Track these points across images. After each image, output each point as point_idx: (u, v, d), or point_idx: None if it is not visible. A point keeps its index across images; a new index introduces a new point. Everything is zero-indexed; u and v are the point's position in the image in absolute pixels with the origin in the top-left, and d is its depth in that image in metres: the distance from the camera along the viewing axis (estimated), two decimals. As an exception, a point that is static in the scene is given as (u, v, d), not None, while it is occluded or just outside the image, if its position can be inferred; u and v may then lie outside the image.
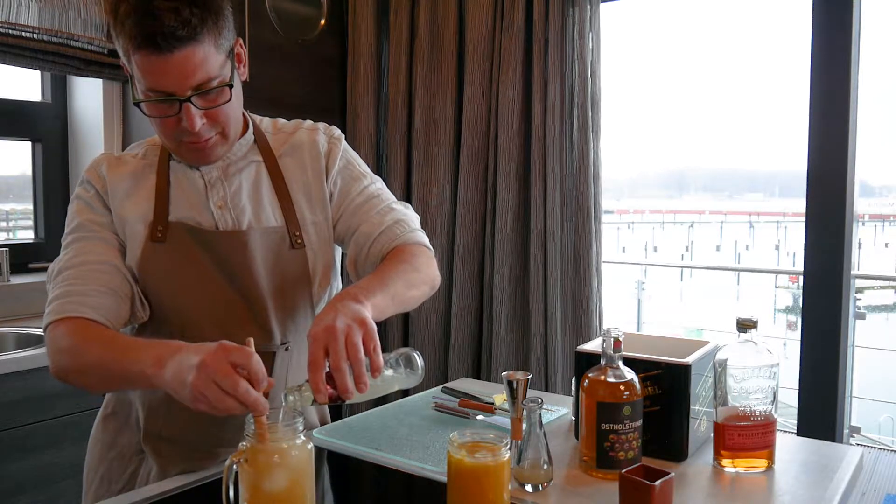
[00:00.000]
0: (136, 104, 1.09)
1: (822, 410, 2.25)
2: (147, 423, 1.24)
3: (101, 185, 1.22)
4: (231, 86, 1.12)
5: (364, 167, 1.34)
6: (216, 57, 1.09)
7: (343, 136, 1.33)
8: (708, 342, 1.28)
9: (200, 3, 1.06)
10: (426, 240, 1.31)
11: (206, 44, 1.07)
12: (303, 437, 0.91)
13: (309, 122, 1.32)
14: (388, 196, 1.32)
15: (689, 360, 1.17)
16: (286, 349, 1.23)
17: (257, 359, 0.91)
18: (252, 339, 0.94)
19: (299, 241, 1.22)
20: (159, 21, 1.01)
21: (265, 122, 1.31)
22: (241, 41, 1.18)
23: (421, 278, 1.22)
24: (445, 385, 1.64)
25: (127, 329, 1.24)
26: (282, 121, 1.32)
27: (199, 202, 1.20)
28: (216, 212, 1.19)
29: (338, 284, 1.33)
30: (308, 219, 1.24)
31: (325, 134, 1.30)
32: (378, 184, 1.33)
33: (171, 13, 1.02)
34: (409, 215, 1.31)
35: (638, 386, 1.13)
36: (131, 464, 1.26)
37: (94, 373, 1.07)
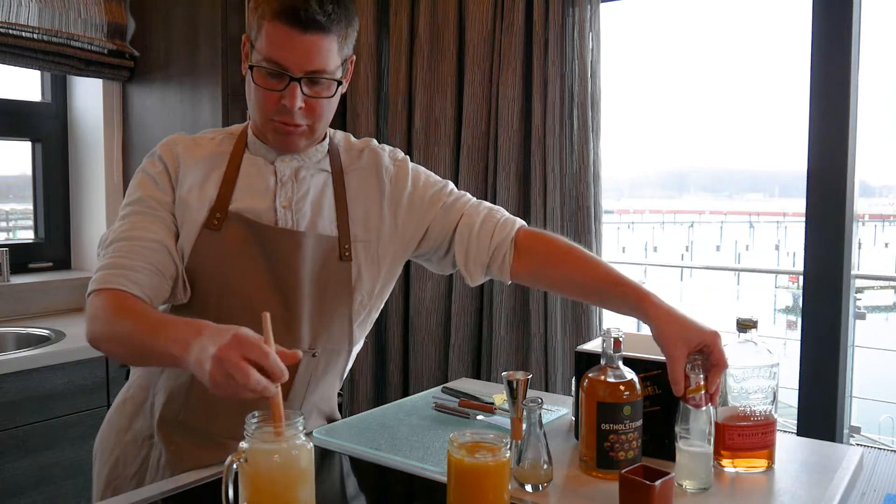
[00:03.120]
0: (250, 67, 1.16)
1: (822, 410, 2.25)
2: (165, 408, 1.25)
3: (174, 165, 1.24)
4: (340, 83, 1.20)
5: (435, 176, 1.39)
6: (335, 56, 1.17)
7: (408, 157, 1.38)
8: (708, 342, 1.27)
9: (342, 4, 1.16)
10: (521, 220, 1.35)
11: (333, 39, 1.16)
12: (303, 437, 0.91)
13: (375, 143, 1.37)
14: (466, 196, 1.37)
15: (689, 360, 1.17)
16: (313, 355, 1.26)
17: (273, 356, 0.91)
18: (268, 315, 0.94)
19: (348, 254, 1.26)
20: (307, 2, 1.11)
21: (338, 136, 1.36)
22: (354, 58, 1.27)
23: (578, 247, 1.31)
24: (445, 385, 1.64)
25: (164, 307, 1.26)
26: (352, 137, 1.37)
27: (266, 197, 1.23)
28: (280, 210, 1.23)
29: (380, 305, 1.37)
30: (360, 236, 1.28)
31: (390, 157, 1.35)
32: (449, 186, 1.37)
33: (317, 1, 1.12)
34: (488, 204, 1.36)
35: (638, 386, 1.13)
36: (143, 448, 1.28)
37: (126, 343, 1.10)
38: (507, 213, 1.34)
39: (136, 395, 1.31)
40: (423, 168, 1.38)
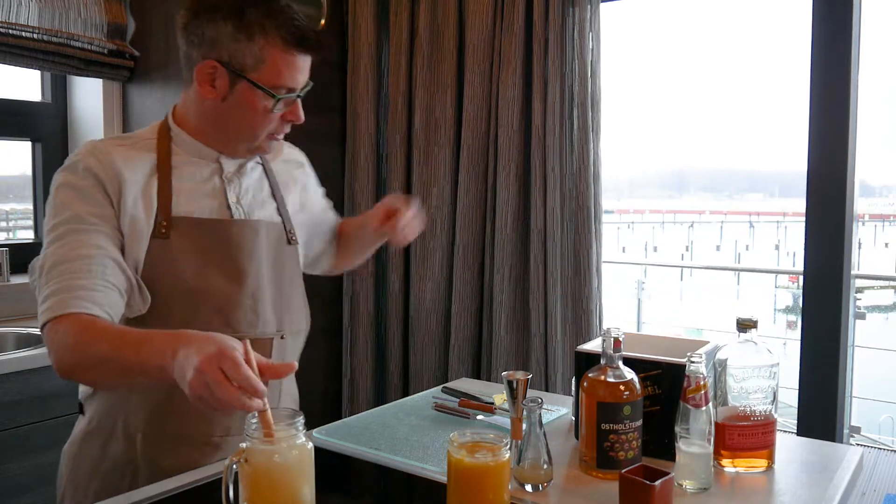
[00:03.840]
0: (277, 99, 1.20)
1: (822, 410, 2.25)
2: (148, 426, 1.23)
3: (110, 175, 1.18)
4: (311, 86, 1.28)
5: None
6: None
7: None
8: (708, 342, 1.28)
9: (310, 19, 1.29)
10: None
11: None
12: (303, 437, 0.91)
13: (286, 143, 1.46)
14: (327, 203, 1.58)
15: (689, 360, 1.17)
16: (281, 337, 1.31)
17: (246, 370, 0.89)
18: (248, 340, 0.94)
19: (294, 238, 1.36)
20: (304, 28, 1.20)
21: None
22: None
23: None
24: (445, 385, 1.64)
25: (121, 320, 1.22)
26: None
27: (214, 196, 1.26)
28: (232, 205, 1.27)
29: None
30: (295, 220, 1.38)
31: (298, 153, 1.50)
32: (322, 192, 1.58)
33: (304, 23, 1.22)
34: None
35: (638, 386, 1.13)
36: (126, 474, 1.24)
37: (104, 368, 1.06)
38: None
39: (101, 424, 1.27)
40: None
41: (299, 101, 1.25)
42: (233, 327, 1.23)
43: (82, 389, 1.32)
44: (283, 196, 1.37)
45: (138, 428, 1.24)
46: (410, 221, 1.39)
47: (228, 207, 1.26)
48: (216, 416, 1.25)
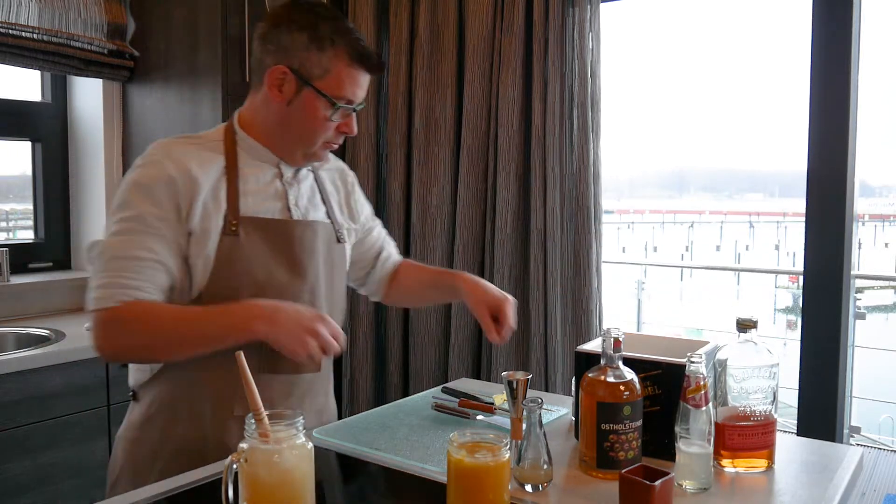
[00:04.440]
0: (336, 108, 1.32)
1: (822, 410, 2.25)
2: (216, 408, 1.31)
3: (184, 179, 1.27)
4: (363, 106, 1.43)
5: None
6: None
7: None
8: (708, 342, 1.28)
9: None
10: None
11: None
12: (303, 437, 0.92)
13: (332, 154, 1.55)
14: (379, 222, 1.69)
15: (689, 360, 1.17)
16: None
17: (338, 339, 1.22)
18: (241, 353, 0.98)
19: (342, 237, 1.47)
20: (367, 48, 1.34)
21: None
22: None
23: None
24: (445, 385, 1.64)
25: None
26: None
27: (277, 198, 1.37)
28: (292, 207, 1.38)
29: None
30: (342, 225, 1.49)
31: (347, 169, 1.61)
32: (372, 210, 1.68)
33: (368, 46, 1.36)
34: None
35: (638, 386, 1.13)
36: (194, 455, 1.27)
37: (166, 338, 1.23)
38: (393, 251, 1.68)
39: (162, 409, 1.32)
40: None
41: (354, 115, 1.36)
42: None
43: (136, 378, 1.37)
44: (330, 201, 1.48)
45: (205, 411, 1.31)
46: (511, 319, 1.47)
47: (289, 209, 1.37)
48: (275, 398, 1.31)
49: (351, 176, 1.60)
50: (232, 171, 1.33)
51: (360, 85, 1.34)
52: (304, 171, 1.44)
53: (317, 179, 1.47)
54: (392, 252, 1.67)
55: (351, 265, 1.56)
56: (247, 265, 1.30)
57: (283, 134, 1.36)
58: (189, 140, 1.36)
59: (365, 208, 1.61)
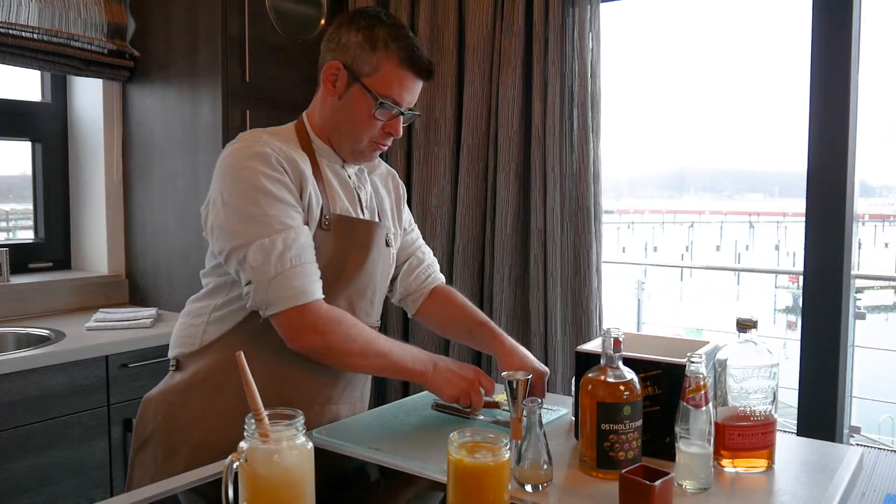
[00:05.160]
0: (381, 102, 1.37)
1: (822, 410, 2.25)
2: (265, 385, 1.28)
3: (293, 168, 1.33)
4: (417, 114, 1.48)
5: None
6: None
7: None
8: (708, 342, 1.28)
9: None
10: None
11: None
12: (303, 438, 0.91)
13: (380, 159, 1.63)
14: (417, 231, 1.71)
15: (689, 360, 1.17)
16: (378, 328, 1.48)
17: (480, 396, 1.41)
18: (241, 353, 0.98)
19: (390, 241, 1.53)
20: (420, 55, 1.39)
21: None
22: None
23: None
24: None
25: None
26: None
27: (353, 197, 1.45)
28: (365, 209, 1.48)
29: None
30: (390, 228, 1.55)
31: (396, 175, 1.67)
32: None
33: (423, 53, 1.41)
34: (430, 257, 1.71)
35: (638, 386, 1.13)
36: (234, 427, 1.27)
37: (380, 360, 1.36)
38: (436, 267, 1.70)
39: (209, 378, 1.37)
40: None
41: (401, 118, 1.41)
42: (355, 313, 1.41)
43: (180, 348, 1.42)
44: (383, 204, 1.56)
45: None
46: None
47: (362, 210, 1.46)
48: (319, 386, 1.41)
49: (399, 181, 1.66)
50: (318, 168, 1.40)
51: (408, 88, 1.39)
52: (361, 175, 1.50)
53: (372, 182, 1.54)
54: (431, 266, 1.68)
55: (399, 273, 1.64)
56: (331, 258, 1.37)
57: (333, 129, 1.42)
58: (273, 135, 1.39)
59: (407, 214, 1.66)
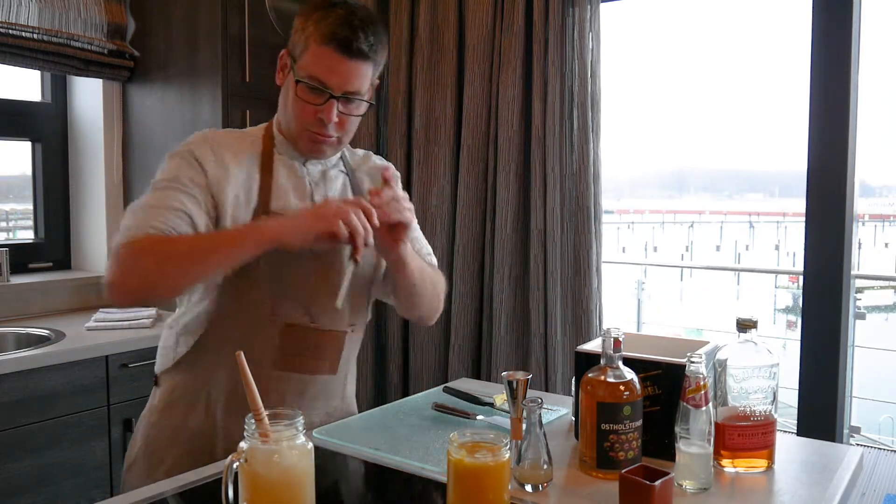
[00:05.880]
0: (297, 81, 1.29)
1: (822, 410, 2.25)
2: (228, 401, 1.31)
3: (214, 168, 1.28)
4: (372, 104, 1.38)
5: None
6: (368, 80, 1.32)
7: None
8: (708, 342, 1.28)
9: (381, 38, 1.31)
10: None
11: (370, 67, 1.31)
12: (303, 437, 0.92)
13: (374, 155, 1.56)
14: (423, 236, 1.58)
15: (689, 360, 1.17)
16: (352, 331, 1.41)
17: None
18: (241, 353, 0.98)
19: (369, 241, 1.37)
20: (355, 33, 1.26)
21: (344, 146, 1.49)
22: (378, 83, 1.40)
23: (438, 284, 1.47)
24: (446, 385, 1.64)
25: (198, 299, 1.34)
26: (351, 147, 1.52)
27: (303, 196, 1.36)
28: None
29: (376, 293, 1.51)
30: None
31: (392, 167, 1.52)
32: (418, 225, 1.56)
33: (363, 32, 1.27)
34: (434, 257, 1.57)
35: (638, 386, 1.13)
36: (206, 445, 1.32)
37: (183, 255, 1.19)
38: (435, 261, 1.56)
39: (184, 394, 1.35)
40: None
41: (334, 102, 1.29)
42: (312, 318, 1.33)
43: (160, 363, 1.39)
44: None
45: (219, 401, 1.32)
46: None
47: None
48: (288, 397, 1.33)
49: (393, 173, 1.49)
50: (266, 167, 1.34)
51: (333, 68, 1.27)
52: (333, 172, 1.43)
53: (353, 180, 1.46)
54: (429, 259, 1.55)
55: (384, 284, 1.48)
56: (275, 261, 1.27)
57: (282, 118, 1.37)
58: (231, 132, 1.39)
59: None
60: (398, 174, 1.56)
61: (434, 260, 1.56)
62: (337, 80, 1.28)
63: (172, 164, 1.29)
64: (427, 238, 1.59)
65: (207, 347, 1.33)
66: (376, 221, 1.20)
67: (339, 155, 1.45)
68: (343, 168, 1.45)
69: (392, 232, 1.26)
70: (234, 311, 1.31)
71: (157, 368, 1.41)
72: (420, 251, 1.52)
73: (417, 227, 1.57)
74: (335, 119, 1.30)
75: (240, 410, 1.27)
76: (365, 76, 1.31)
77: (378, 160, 1.55)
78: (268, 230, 1.18)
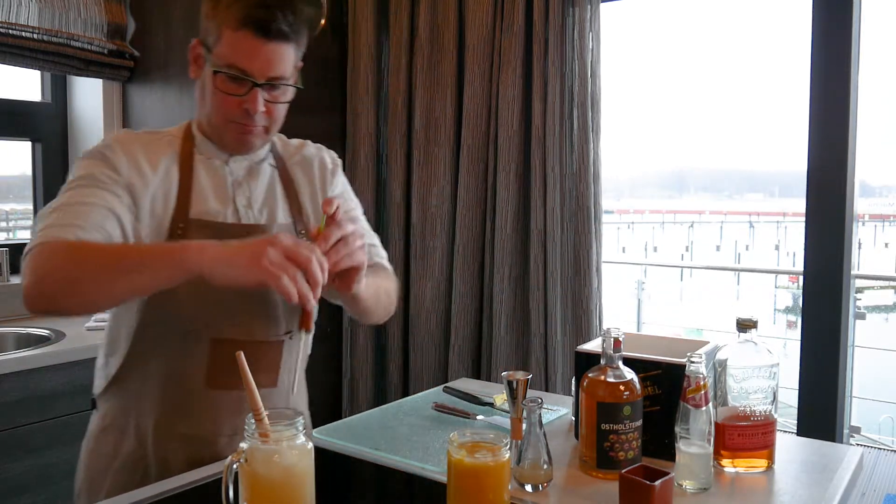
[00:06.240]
0: (214, 72, 1.19)
1: (822, 410, 2.25)
2: (158, 426, 1.23)
3: (128, 171, 1.19)
4: (299, 88, 1.26)
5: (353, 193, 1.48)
6: (292, 62, 1.23)
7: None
8: (708, 342, 1.28)
9: (301, 15, 1.21)
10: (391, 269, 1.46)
11: (293, 48, 1.22)
12: (303, 437, 0.91)
13: (311, 142, 1.44)
14: (368, 228, 1.45)
15: (689, 360, 1.17)
16: (290, 337, 1.30)
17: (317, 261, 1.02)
18: (242, 353, 0.94)
19: (304, 237, 1.30)
20: (272, 13, 1.16)
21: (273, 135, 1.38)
22: (301, 65, 1.30)
23: (391, 292, 1.38)
24: (446, 385, 1.64)
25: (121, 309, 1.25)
26: (285, 137, 1.41)
27: (225, 198, 1.26)
28: (241, 210, 1.27)
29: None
30: (312, 221, 1.34)
31: (328, 155, 1.43)
32: (362, 214, 1.47)
33: (281, 11, 1.16)
34: (382, 251, 1.46)
35: (638, 386, 1.13)
36: (137, 471, 1.25)
37: (94, 264, 1.06)
38: (384, 255, 1.45)
39: (115, 421, 1.27)
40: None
41: (258, 91, 1.19)
42: (245, 329, 1.24)
43: (97, 384, 1.30)
44: (298, 195, 1.35)
45: (149, 427, 1.24)
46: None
47: (237, 211, 1.26)
48: (224, 416, 1.25)
49: (331, 161, 1.42)
50: (185, 168, 1.24)
51: (252, 52, 1.17)
52: (262, 166, 1.32)
53: (283, 173, 1.34)
54: (377, 261, 1.42)
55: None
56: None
57: (201, 114, 1.28)
58: (145, 133, 1.28)
59: (336, 191, 1.41)
60: (337, 164, 1.44)
61: (383, 254, 1.45)
62: (258, 65, 1.18)
63: (85, 164, 1.19)
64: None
65: (133, 367, 1.24)
66: (325, 277, 1.03)
67: (267, 147, 1.34)
68: (272, 161, 1.34)
69: (344, 278, 1.13)
70: (157, 325, 1.21)
71: (95, 390, 1.32)
72: (369, 251, 1.38)
73: (364, 219, 1.46)
74: (262, 108, 1.21)
75: (173, 436, 1.23)
76: (288, 58, 1.21)
77: (313, 149, 1.42)
78: (195, 261, 1.02)
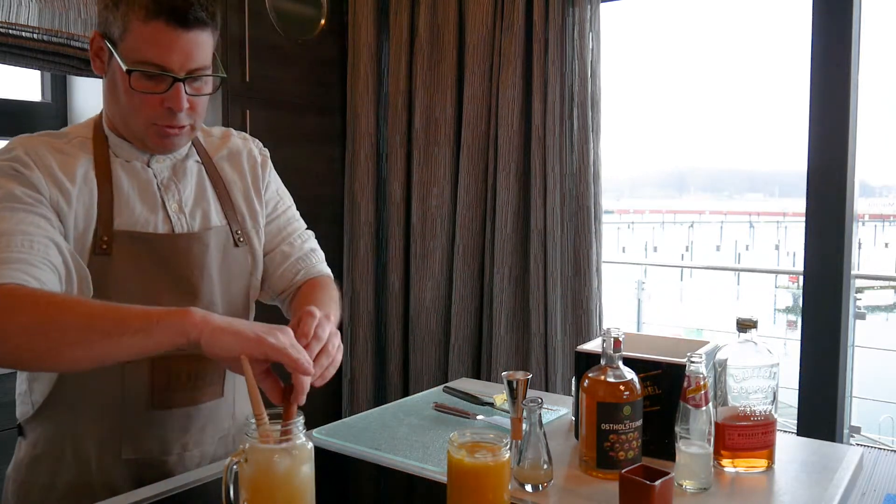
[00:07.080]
0: (129, 72, 1.05)
1: (822, 410, 2.25)
2: (102, 453, 1.15)
3: (44, 185, 1.06)
4: (224, 78, 1.16)
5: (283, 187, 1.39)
6: (210, 48, 1.12)
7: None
8: (708, 342, 1.28)
9: None
10: (330, 272, 1.38)
11: (210, 33, 1.10)
12: (303, 437, 0.91)
13: (236, 131, 1.34)
14: (301, 221, 1.38)
15: (689, 360, 1.17)
16: None
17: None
18: (246, 358, 0.90)
19: (241, 238, 1.24)
20: (183, 1, 1.04)
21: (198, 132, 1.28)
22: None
23: (338, 301, 1.28)
24: (446, 385, 1.64)
25: None
26: (206, 127, 1.30)
27: (153, 205, 1.15)
28: (173, 216, 1.16)
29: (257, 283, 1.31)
30: (246, 219, 1.26)
31: (255, 146, 1.33)
32: (294, 207, 1.38)
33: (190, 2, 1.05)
34: (317, 247, 1.38)
35: (638, 386, 1.13)
36: (83, 501, 1.14)
37: (78, 339, 0.92)
38: (320, 258, 1.37)
39: (48, 449, 1.16)
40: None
41: (180, 86, 1.07)
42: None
43: (21, 410, 1.18)
44: (230, 193, 1.25)
45: (91, 454, 1.15)
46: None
47: (168, 218, 1.15)
48: (170, 434, 1.17)
49: (259, 154, 1.32)
50: (103, 175, 1.11)
51: (168, 47, 1.05)
52: (188, 164, 1.21)
53: (211, 170, 1.24)
54: (302, 259, 1.33)
55: (266, 269, 1.31)
56: (123, 291, 1.07)
57: (116, 117, 1.13)
58: (50, 137, 1.12)
59: (273, 194, 1.33)
60: (266, 156, 1.34)
61: (321, 256, 1.37)
62: (178, 58, 1.06)
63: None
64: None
65: (65, 393, 1.13)
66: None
67: (189, 142, 1.23)
68: (197, 157, 1.23)
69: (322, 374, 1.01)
70: None
71: (19, 416, 1.19)
72: (302, 247, 1.33)
73: (297, 214, 1.38)
74: (186, 105, 1.09)
75: (118, 461, 1.15)
76: (207, 46, 1.09)
77: (239, 140, 1.31)
78: (197, 326, 0.90)
